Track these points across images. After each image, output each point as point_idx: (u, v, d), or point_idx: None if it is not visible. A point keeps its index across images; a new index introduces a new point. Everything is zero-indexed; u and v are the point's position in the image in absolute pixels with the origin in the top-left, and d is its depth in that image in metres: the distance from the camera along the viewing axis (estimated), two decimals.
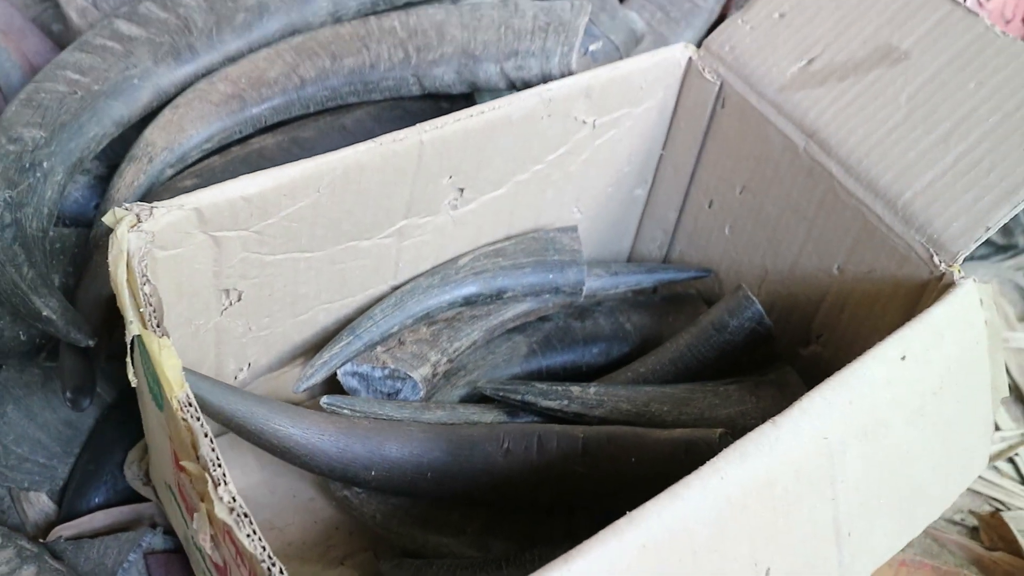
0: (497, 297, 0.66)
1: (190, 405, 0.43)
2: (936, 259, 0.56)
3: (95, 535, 0.61)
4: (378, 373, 0.63)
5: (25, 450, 0.63)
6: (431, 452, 0.58)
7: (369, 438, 0.57)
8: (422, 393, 0.63)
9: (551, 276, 0.66)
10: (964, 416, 0.55)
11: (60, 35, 0.85)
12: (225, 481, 0.41)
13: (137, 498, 0.64)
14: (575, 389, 0.62)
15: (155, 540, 0.61)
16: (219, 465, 0.41)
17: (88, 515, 0.62)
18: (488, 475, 0.58)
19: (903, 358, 0.50)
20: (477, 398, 0.66)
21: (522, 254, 0.67)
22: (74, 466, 0.64)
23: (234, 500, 0.41)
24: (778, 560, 0.46)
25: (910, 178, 0.58)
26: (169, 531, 0.62)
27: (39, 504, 0.63)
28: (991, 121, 0.57)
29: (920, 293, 0.57)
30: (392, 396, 0.64)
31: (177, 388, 0.43)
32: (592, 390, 0.62)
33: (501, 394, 0.63)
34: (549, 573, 0.39)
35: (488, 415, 0.63)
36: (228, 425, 0.53)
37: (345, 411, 0.59)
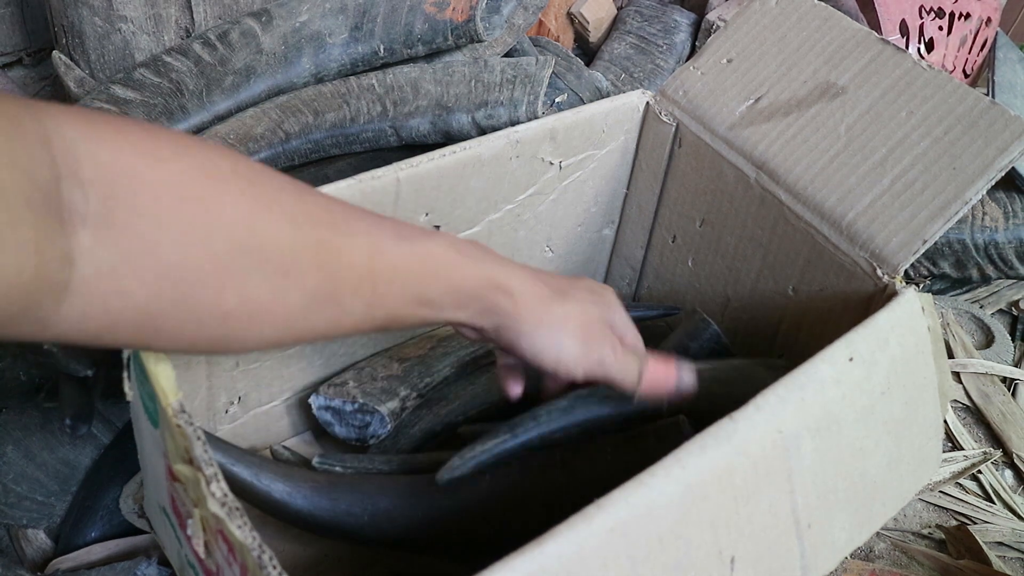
0: None
1: (183, 411, 0.46)
2: (879, 272, 0.60)
3: (91, 567, 0.63)
4: (348, 407, 0.66)
5: (24, 488, 0.66)
6: (419, 494, 0.60)
7: (361, 489, 0.60)
8: (390, 426, 0.66)
9: None
10: (914, 416, 0.58)
11: None
12: (217, 479, 0.44)
13: (132, 532, 0.66)
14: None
15: (150, 570, 0.63)
16: (211, 464, 0.44)
17: (85, 548, 0.64)
18: (476, 503, 0.60)
19: (850, 359, 0.54)
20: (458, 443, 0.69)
21: (714, 383, 0.62)
22: (71, 503, 0.66)
23: (226, 495, 0.43)
24: (741, 549, 0.49)
25: (852, 200, 0.62)
26: (164, 562, 0.64)
27: (37, 541, 0.66)
28: (922, 146, 0.62)
29: (867, 305, 0.61)
30: (363, 429, 0.67)
31: (171, 395, 0.46)
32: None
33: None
34: (524, 554, 0.42)
35: None
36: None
37: (337, 468, 0.62)
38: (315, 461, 0.64)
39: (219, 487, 0.44)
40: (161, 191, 0.36)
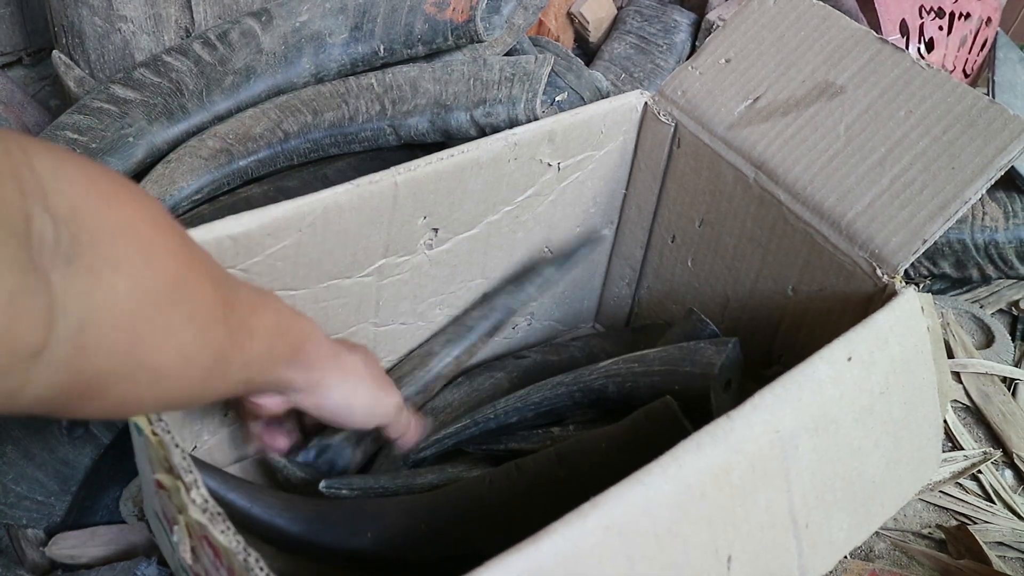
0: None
1: (160, 420, 0.46)
2: (879, 272, 0.60)
3: (90, 566, 0.63)
4: (312, 456, 0.64)
5: (24, 488, 0.66)
6: (423, 507, 0.60)
7: (364, 509, 0.60)
8: (349, 450, 0.65)
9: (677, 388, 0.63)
10: (913, 416, 0.58)
11: (57, 109, 0.91)
12: (197, 485, 0.44)
13: None
14: (555, 430, 0.66)
15: (149, 570, 0.63)
16: (191, 472, 0.44)
17: (89, 529, 0.64)
18: (478, 507, 0.59)
19: (849, 359, 0.54)
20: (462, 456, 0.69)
21: (657, 362, 0.65)
22: (71, 503, 0.66)
23: (207, 502, 0.43)
24: (738, 548, 0.49)
25: (851, 200, 0.62)
26: (163, 562, 0.64)
27: (37, 542, 0.66)
28: (921, 145, 0.61)
29: (867, 305, 0.61)
30: (332, 470, 0.65)
31: None
32: (571, 428, 0.66)
33: (484, 448, 0.67)
34: (520, 552, 0.41)
35: (475, 470, 0.66)
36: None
37: (344, 492, 0.62)
38: (322, 486, 0.63)
39: (199, 494, 0.44)
40: (118, 233, 0.36)
